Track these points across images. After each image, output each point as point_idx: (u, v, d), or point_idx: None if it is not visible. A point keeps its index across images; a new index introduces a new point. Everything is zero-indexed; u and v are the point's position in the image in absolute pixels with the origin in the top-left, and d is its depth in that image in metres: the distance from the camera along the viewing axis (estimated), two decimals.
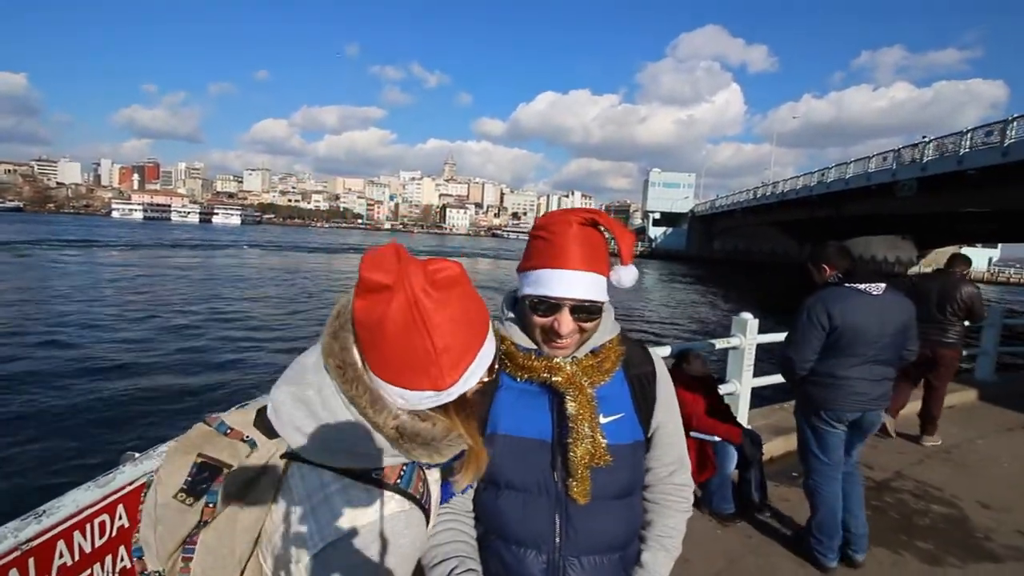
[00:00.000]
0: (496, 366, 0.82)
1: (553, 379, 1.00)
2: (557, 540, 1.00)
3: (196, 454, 0.74)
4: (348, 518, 0.70)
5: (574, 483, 0.98)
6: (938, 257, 64.72)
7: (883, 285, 2.55)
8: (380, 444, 0.72)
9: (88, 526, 1.21)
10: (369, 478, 0.73)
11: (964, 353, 6.04)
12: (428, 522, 0.81)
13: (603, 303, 0.99)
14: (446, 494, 0.96)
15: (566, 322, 0.96)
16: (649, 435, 1.11)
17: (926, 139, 25.49)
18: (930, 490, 3.72)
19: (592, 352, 1.04)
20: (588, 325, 0.99)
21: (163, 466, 0.76)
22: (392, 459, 0.74)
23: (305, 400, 0.72)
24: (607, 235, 1.01)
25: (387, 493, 0.74)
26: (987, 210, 26.89)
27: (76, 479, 1.25)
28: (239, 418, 0.80)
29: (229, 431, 0.77)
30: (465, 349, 0.74)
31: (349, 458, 0.72)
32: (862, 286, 2.54)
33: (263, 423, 0.77)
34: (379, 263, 0.69)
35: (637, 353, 1.12)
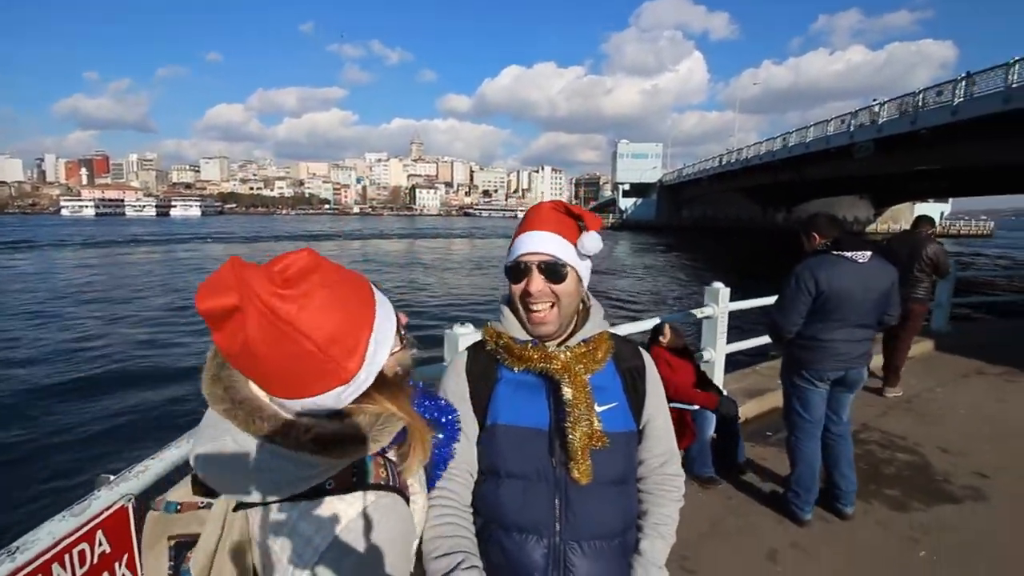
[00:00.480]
0: (403, 333, 0.81)
1: (549, 367, 1.05)
2: (557, 525, 1.04)
3: (167, 538, 0.71)
4: (320, 537, 0.68)
5: (574, 465, 1.02)
6: (894, 214, 67.25)
7: (868, 253, 2.67)
8: (312, 461, 0.69)
9: (67, 557, 1.17)
10: (323, 491, 0.70)
11: None
12: (409, 498, 0.79)
13: (570, 264, 1.05)
14: (435, 476, 0.99)
15: (536, 280, 1.04)
16: (641, 427, 1.16)
17: (876, 101, 26.13)
18: (894, 439, 3.92)
19: (584, 342, 1.10)
20: (558, 288, 1.05)
21: (144, 568, 0.74)
22: (336, 468, 0.71)
23: (225, 453, 0.69)
24: (580, 224, 1.10)
25: (347, 497, 0.71)
26: (938, 167, 27.89)
27: (49, 509, 1.20)
28: (182, 492, 0.77)
29: (179, 507, 0.74)
30: (353, 330, 0.70)
31: (294, 486, 0.69)
32: (848, 253, 2.66)
33: (203, 486, 0.74)
34: (214, 287, 0.62)
35: (627, 348, 1.18)
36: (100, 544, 1.23)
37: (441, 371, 2.51)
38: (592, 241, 1.06)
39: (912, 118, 22.89)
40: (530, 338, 1.10)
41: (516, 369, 1.09)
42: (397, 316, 0.81)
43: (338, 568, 0.66)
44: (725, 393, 3.71)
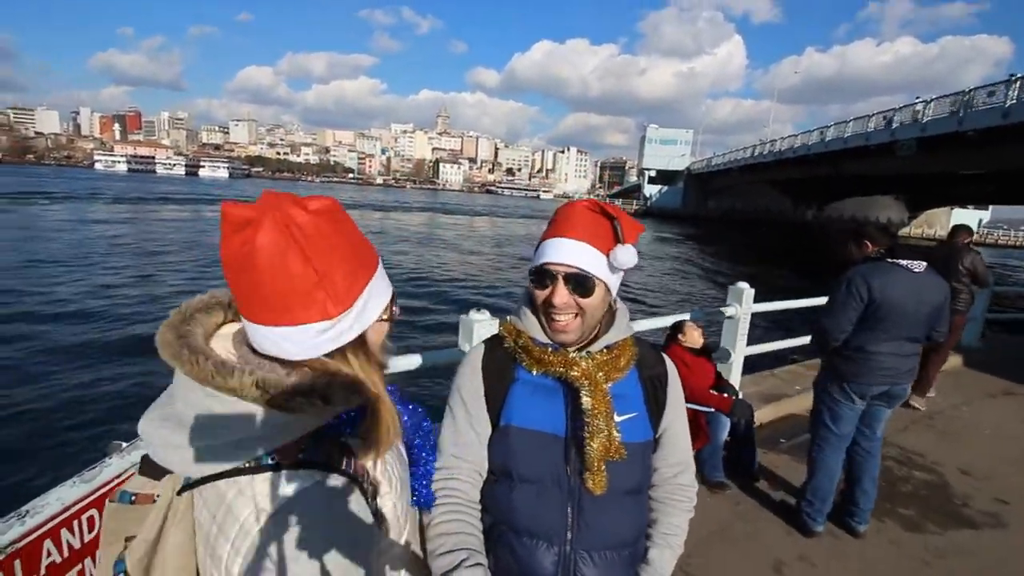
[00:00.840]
0: (395, 306, 0.79)
1: (569, 374, 1.02)
2: (569, 534, 1.02)
3: (123, 540, 0.68)
4: (256, 519, 0.62)
5: (590, 476, 0.99)
6: (929, 219, 64.87)
7: (924, 263, 2.55)
8: (257, 417, 0.63)
9: (76, 523, 1.19)
10: (261, 468, 0.64)
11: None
12: (365, 489, 0.72)
13: (599, 278, 1.00)
14: (425, 496, 0.94)
15: (560, 292, 0.99)
16: (657, 436, 1.13)
17: (919, 99, 25.08)
18: (913, 457, 3.82)
19: (607, 348, 1.06)
20: (584, 301, 1.00)
21: (97, 568, 0.71)
22: (281, 432, 0.65)
23: (171, 415, 0.65)
24: (617, 227, 1.02)
25: (286, 473, 0.64)
26: (984, 171, 26.75)
27: (61, 474, 1.21)
28: (139, 481, 0.72)
29: (134, 498, 0.70)
30: (353, 270, 0.69)
31: (233, 453, 0.63)
32: (903, 262, 2.55)
33: (149, 466, 0.70)
34: (242, 204, 0.63)
35: (651, 355, 1.15)
36: None
37: (453, 356, 2.49)
38: (627, 256, 0.99)
39: (959, 118, 21.89)
40: (549, 341, 1.06)
41: (534, 372, 1.06)
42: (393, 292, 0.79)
43: (270, 555, 0.61)
44: (741, 396, 3.64)
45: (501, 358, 1.10)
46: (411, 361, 2.33)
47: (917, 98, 25.43)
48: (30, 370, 7.22)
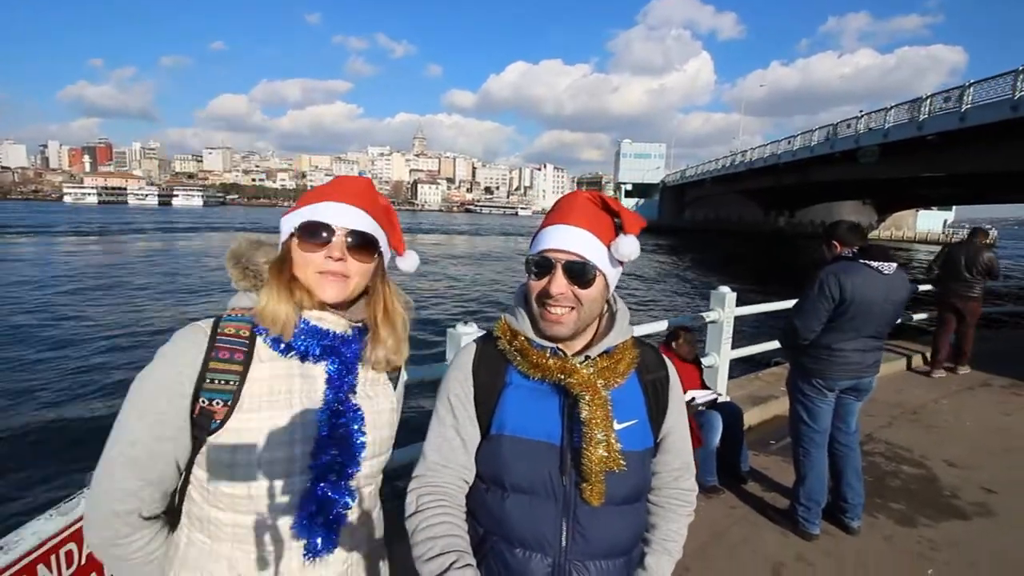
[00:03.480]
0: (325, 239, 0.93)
1: (568, 380, 0.97)
2: (563, 544, 0.98)
3: None
4: None
5: (588, 487, 0.96)
6: (896, 221, 67.09)
7: (894, 265, 2.63)
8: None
9: (53, 558, 1.12)
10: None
11: (925, 316, 7.17)
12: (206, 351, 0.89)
13: (599, 269, 0.96)
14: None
15: (558, 281, 0.94)
16: (658, 440, 1.10)
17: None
18: (899, 451, 3.87)
19: (606, 353, 1.02)
20: (582, 292, 0.96)
21: None
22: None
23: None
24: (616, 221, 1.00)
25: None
26: (944, 174, 27.78)
27: (36, 508, 1.15)
28: None
29: None
30: (312, 195, 0.97)
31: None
32: (874, 263, 2.61)
33: None
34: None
35: (651, 358, 1.10)
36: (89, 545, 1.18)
37: (441, 370, 2.46)
38: (630, 246, 0.96)
39: (919, 124, 22.78)
40: (547, 343, 1.01)
41: (531, 377, 1.01)
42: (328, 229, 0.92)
43: None
44: (728, 399, 3.67)
45: (493, 359, 1.05)
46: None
47: (879, 108, 26.38)
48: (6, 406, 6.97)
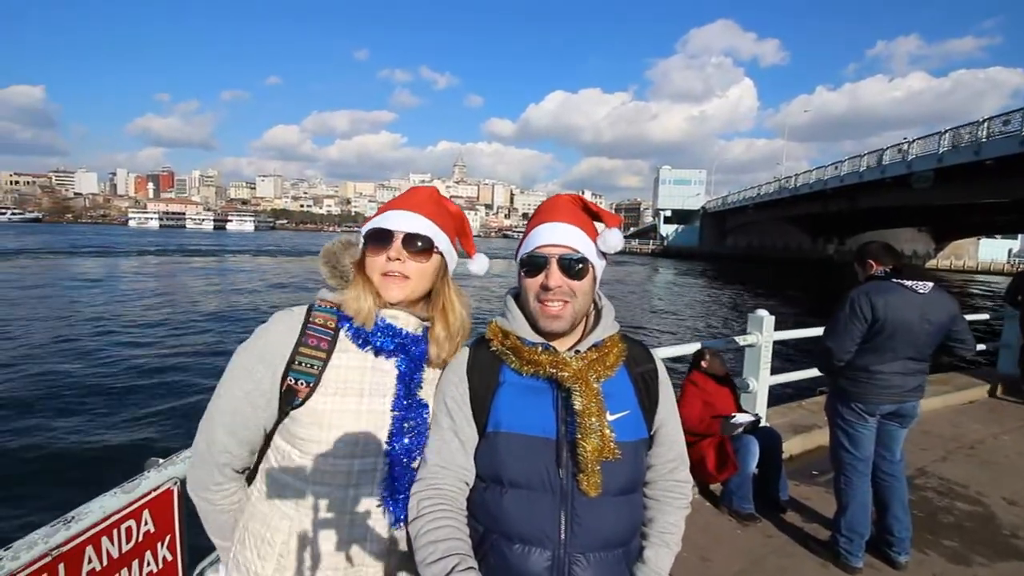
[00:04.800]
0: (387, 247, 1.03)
1: (560, 374, 1.01)
2: (562, 537, 1.00)
3: None
4: None
5: (584, 477, 0.98)
6: (956, 249, 63.47)
7: (930, 284, 2.55)
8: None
9: (115, 532, 1.23)
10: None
11: (984, 347, 6.64)
12: (290, 330, 1.03)
13: (590, 261, 1.03)
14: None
15: (555, 274, 1.01)
16: (652, 433, 1.12)
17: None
18: (954, 487, 3.64)
19: (595, 347, 1.07)
20: (576, 284, 1.02)
21: None
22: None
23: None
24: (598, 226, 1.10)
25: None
26: (1005, 200, 26.30)
27: (103, 485, 1.27)
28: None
29: None
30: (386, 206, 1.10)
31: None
32: (908, 283, 2.54)
33: None
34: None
35: (639, 352, 1.14)
36: (146, 523, 1.29)
37: None
38: (614, 237, 1.03)
39: (976, 148, 21.79)
40: (539, 339, 1.05)
41: (523, 373, 1.05)
42: (390, 236, 1.03)
43: None
44: (767, 425, 3.56)
45: (487, 361, 1.09)
46: None
47: (945, 131, 25.25)
48: (76, 397, 8.11)
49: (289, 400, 1.00)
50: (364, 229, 1.07)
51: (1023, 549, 2.91)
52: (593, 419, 0.98)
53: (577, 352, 1.05)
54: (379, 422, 1.03)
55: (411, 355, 1.06)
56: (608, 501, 1.01)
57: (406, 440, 1.03)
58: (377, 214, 1.08)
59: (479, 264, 1.18)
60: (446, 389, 1.09)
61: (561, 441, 1.01)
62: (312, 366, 1.00)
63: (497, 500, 1.02)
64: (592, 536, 1.00)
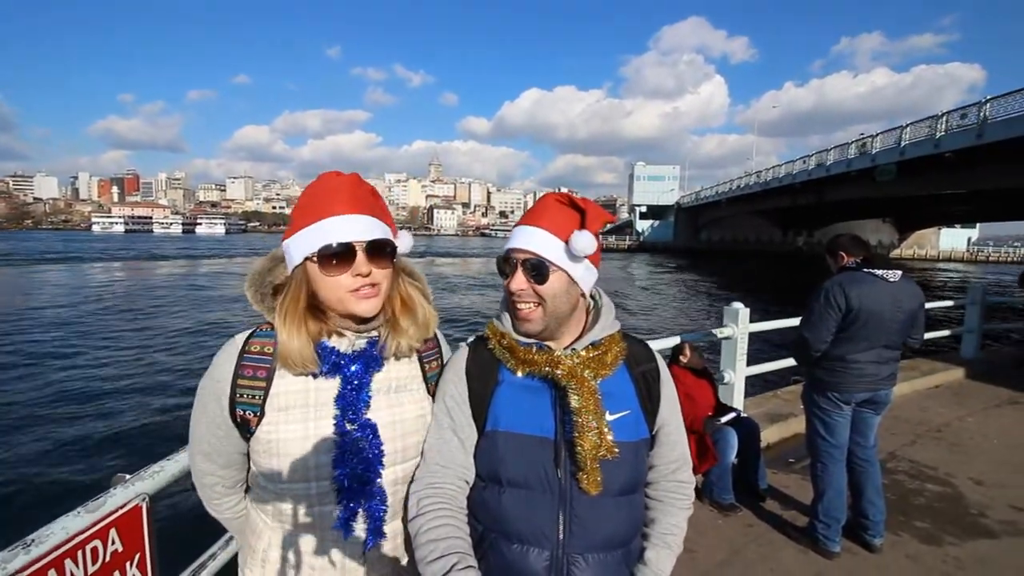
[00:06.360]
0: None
1: (555, 372, 1.00)
2: (561, 537, 0.99)
3: None
4: None
5: (584, 476, 0.97)
6: (919, 239, 65.85)
7: (899, 272, 2.63)
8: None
9: (80, 553, 1.17)
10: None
11: (948, 333, 7.06)
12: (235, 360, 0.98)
13: (555, 264, 1.00)
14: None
15: (517, 278, 1.01)
16: (653, 433, 1.11)
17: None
18: (924, 469, 3.76)
19: (592, 345, 1.05)
20: (540, 288, 1.00)
21: None
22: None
23: None
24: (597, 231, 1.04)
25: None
26: (964, 191, 27.34)
27: (65, 505, 1.20)
28: None
29: None
30: (307, 208, 0.96)
31: None
32: (879, 272, 2.61)
33: None
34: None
35: (640, 350, 1.12)
36: (113, 542, 1.23)
37: None
38: (583, 242, 0.98)
39: (935, 141, 22.58)
40: (530, 339, 1.05)
41: (520, 373, 1.04)
42: (351, 250, 0.92)
43: None
44: (745, 415, 3.62)
45: (485, 361, 1.09)
46: None
47: (906, 124, 26.05)
48: (36, 412, 7.75)
49: (246, 428, 0.98)
50: (299, 244, 0.94)
51: (991, 527, 3.02)
52: (590, 417, 0.97)
53: (573, 350, 1.04)
54: (327, 446, 0.98)
55: (350, 373, 0.99)
56: (608, 501, 1.01)
57: (354, 462, 0.97)
58: (303, 222, 0.94)
59: (404, 242, 1.05)
60: (445, 388, 1.09)
61: (559, 440, 1.00)
62: (254, 396, 0.97)
63: (496, 499, 1.02)
64: (592, 536, 1.00)
